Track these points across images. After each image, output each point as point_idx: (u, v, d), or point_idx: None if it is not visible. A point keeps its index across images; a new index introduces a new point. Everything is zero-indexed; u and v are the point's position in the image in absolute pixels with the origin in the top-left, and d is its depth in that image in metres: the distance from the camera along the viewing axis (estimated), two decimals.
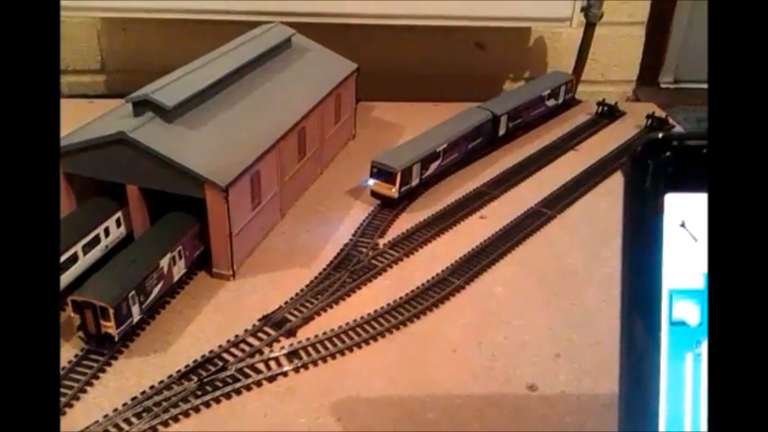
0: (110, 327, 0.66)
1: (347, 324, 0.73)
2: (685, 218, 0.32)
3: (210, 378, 0.65)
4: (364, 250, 0.86)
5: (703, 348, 0.34)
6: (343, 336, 0.71)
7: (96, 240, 0.77)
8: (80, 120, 0.81)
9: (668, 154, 0.31)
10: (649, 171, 0.31)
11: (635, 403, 0.35)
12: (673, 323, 0.33)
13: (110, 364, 0.67)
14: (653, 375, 0.34)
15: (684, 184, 0.31)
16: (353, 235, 0.89)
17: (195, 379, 0.65)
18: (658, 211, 0.32)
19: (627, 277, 0.33)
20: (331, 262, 0.83)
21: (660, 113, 1.27)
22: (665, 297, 0.33)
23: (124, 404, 0.62)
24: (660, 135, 0.31)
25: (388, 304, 0.76)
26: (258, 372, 0.67)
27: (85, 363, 0.66)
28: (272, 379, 0.66)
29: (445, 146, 1.02)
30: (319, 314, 0.75)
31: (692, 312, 0.33)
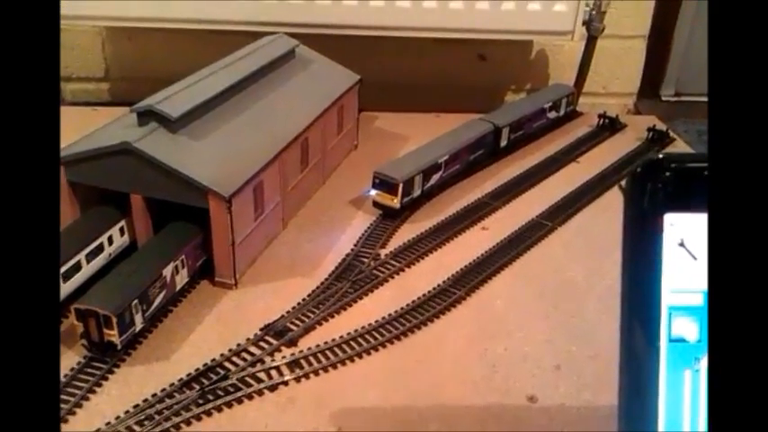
0: (112, 335, 0.66)
1: (348, 334, 0.73)
2: (684, 237, 0.33)
3: (212, 387, 0.65)
4: (366, 260, 0.86)
5: (702, 365, 0.34)
6: (344, 345, 0.72)
7: (100, 249, 0.78)
8: (84, 127, 0.82)
9: (667, 175, 0.31)
10: (648, 191, 0.32)
11: (634, 417, 0.35)
12: (672, 340, 0.34)
13: (112, 372, 0.67)
14: (652, 390, 0.34)
15: (683, 204, 0.32)
16: (355, 245, 0.90)
17: (197, 387, 0.65)
18: (658, 230, 0.32)
19: (627, 295, 0.33)
20: (333, 272, 0.84)
21: (661, 126, 1.27)
22: (664, 314, 0.33)
23: (126, 412, 0.62)
24: (660, 156, 0.31)
25: (390, 314, 0.77)
26: (259, 381, 0.67)
27: (88, 370, 0.67)
28: (273, 388, 0.66)
29: (447, 157, 1.03)
30: (321, 324, 0.75)
31: (690, 329, 0.34)
